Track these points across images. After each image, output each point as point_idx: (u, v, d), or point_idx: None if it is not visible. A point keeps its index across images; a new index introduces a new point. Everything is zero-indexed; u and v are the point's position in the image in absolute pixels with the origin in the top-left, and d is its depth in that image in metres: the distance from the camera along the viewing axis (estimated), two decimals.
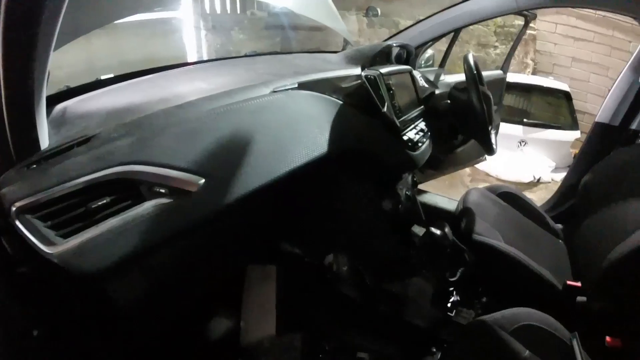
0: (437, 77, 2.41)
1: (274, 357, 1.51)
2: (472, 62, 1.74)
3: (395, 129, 1.47)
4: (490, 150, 1.85)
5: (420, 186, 2.86)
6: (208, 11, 5.58)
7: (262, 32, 4.35)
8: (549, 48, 6.97)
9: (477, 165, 4.13)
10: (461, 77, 2.26)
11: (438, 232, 1.72)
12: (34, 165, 0.74)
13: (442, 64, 2.91)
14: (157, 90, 1.10)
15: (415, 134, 1.59)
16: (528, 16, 3.04)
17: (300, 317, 1.65)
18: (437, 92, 2.17)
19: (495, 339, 1.28)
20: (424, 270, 1.78)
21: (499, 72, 3.24)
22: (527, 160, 5.06)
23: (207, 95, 1.01)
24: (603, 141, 2.46)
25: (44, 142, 0.77)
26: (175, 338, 1.33)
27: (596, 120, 2.52)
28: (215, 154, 0.92)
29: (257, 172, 1.01)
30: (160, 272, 0.95)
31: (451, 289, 1.85)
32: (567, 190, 2.60)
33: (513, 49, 3.34)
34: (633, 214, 1.56)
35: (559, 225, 2.23)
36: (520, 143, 5.28)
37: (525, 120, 5.27)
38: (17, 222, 0.71)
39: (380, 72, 1.41)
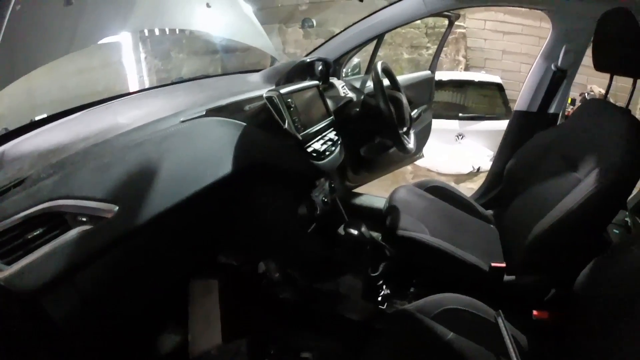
0: (364, 83, 2.51)
1: None
2: (378, 70, 1.88)
3: (298, 142, 1.59)
4: (404, 150, 1.96)
5: (363, 187, 3.01)
6: (147, 33, 5.59)
7: (201, 51, 4.43)
8: (480, 44, 7.31)
9: (418, 162, 4.23)
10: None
11: (355, 231, 1.85)
12: None
13: (367, 71, 3.01)
14: (81, 128, 1.19)
15: (322, 144, 1.71)
16: (451, 17, 3.20)
17: (244, 324, 1.74)
18: (355, 99, 2.27)
19: (418, 325, 1.35)
20: (348, 268, 1.92)
21: (427, 72, 3.39)
22: (466, 152, 5.25)
23: (123, 131, 1.13)
24: (524, 127, 2.59)
25: None
26: (123, 354, 1.42)
27: (515, 108, 2.67)
28: (127, 183, 1.05)
29: (165, 195, 1.13)
30: (89, 288, 1.05)
31: (380, 282, 1.97)
32: (494, 177, 2.75)
33: (439, 50, 3.49)
34: (552, 192, 1.65)
35: (490, 211, 2.34)
36: (458, 137, 5.48)
37: (460, 114, 5.49)
38: None
39: (280, 92, 1.53)
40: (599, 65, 1.71)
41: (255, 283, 1.88)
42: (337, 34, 2.47)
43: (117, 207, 1.00)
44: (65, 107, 1.44)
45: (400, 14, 2.37)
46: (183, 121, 1.28)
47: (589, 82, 6.18)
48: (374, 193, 2.95)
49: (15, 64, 1.35)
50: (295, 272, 1.90)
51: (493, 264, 1.68)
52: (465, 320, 1.38)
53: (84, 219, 0.96)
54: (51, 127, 1.25)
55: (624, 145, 1.48)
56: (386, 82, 2.13)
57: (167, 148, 1.18)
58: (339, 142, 1.86)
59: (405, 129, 2.04)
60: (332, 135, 1.83)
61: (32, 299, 0.91)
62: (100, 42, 1.96)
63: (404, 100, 2.06)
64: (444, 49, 7.13)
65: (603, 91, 6.40)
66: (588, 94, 6.05)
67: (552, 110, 2.58)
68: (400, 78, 2.98)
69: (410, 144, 2.03)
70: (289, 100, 1.56)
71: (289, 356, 1.73)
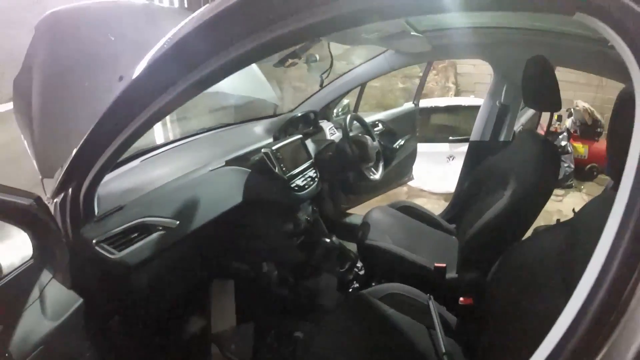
0: (352, 121, 2.81)
1: (235, 341, 2.18)
2: (347, 122, 2.54)
3: (284, 182, 2.26)
4: (367, 181, 2.58)
5: (362, 206, 3.48)
6: None
7: (216, 105, 4.80)
8: (469, 69, 7.54)
9: (411, 183, 4.50)
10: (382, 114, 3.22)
11: (327, 240, 2.50)
12: (96, 222, 1.46)
13: (355, 110, 3.54)
14: (145, 174, 1.83)
15: (303, 181, 2.37)
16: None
17: (252, 311, 2.33)
18: (337, 141, 2.82)
19: (367, 303, 1.74)
20: (326, 268, 2.54)
21: (411, 105, 3.80)
22: (456, 172, 5.25)
23: (175, 177, 1.81)
24: (478, 155, 2.96)
25: (95, 211, 1.46)
26: (165, 328, 2.06)
27: (470, 139, 3.06)
28: (182, 208, 1.74)
29: (201, 216, 1.83)
30: (158, 270, 1.74)
31: (350, 278, 2.57)
32: (457, 196, 3.19)
33: (421, 84, 3.89)
34: (488, 206, 1.95)
35: (453, 225, 2.72)
36: (448, 158, 5.68)
37: (451, 137, 5.69)
38: (96, 248, 1.44)
39: (272, 149, 2.22)
40: (526, 102, 2.05)
41: (260, 282, 2.47)
42: (318, 91, 3.01)
43: (178, 222, 1.68)
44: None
45: (369, 70, 2.91)
46: (211, 170, 1.97)
47: (575, 97, 6.56)
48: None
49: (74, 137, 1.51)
50: (287, 273, 2.52)
51: (436, 264, 2.05)
52: (404, 302, 1.75)
53: (160, 228, 1.64)
54: (124, 172, 1.81)
55: (536, 170, 1.83)
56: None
57: (202, 188, 1.87)
58: (317, 178, 2.49)
59: (370, 164, 2.65)
60: (311, 173, 2.47)
61: (131, 270, 1.56)
62: None
63: (369, 142, 2.67)
64: (435, 77, 7.50)
65: (587, 105, 6.38)
66: (574, 109, 6.32)
67: (501, 138, 2.97)
68: (386, 112, 3.53)
69: (376, 175, 2.65)
70: (278, 153, 2.23)
71: (286, 335, 2.27)
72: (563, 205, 5.24)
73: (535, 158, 1.88)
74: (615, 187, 0.71)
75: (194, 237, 1.82)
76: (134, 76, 1.14)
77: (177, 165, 1.93)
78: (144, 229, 1.61)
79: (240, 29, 0.98)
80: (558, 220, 2.41)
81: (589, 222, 1.21)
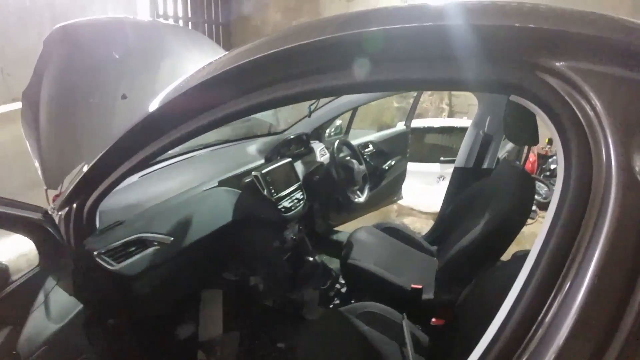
0: (340, 146, 2.98)
1: (222, 347, 2.30)
2: (334, 148, 2.70)
3: (272, 203, 2.41)
4: (351, 204, 2.73)
5: (351, 223, 3.58)
6: None
7: None
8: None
9: (401, 202, 4.56)
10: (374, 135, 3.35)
11: (311, 259, 2.66)
12: (98, 235, 1.57)
13: (346, 132, 3.66)
14: (144, 190, 1.94)
15: (290, 202, 2.51)
16: None
17: (239, 321, 2.46)
18: (325, 163, 2.98)
19: (344, 319, 1.80)
20: (309, 284, 2.68)
21: (403, 127, 3.91)
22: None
23: (173, 194, 1.95)
24: (462, 180, 3.06)
25: (97, 225, 1.57)
26: (158, 333, 2.19)
27: (455, 165, 3.15)
28: (177, 225, 1.88)
29: (195, 233, 1.97)
30: (153, 281, 1.86)
31: (332, 294, 2.71)
32: (440, 219, 3.22)
33: (413, 109, 4.01)
34: (467, 232, 2.03)
35: (435, 247, 2.81)
36: (439, 178, 5.81)
37: (442, 158, 5.80)
38: (97, 259, 1.56)
39: (261, 172, 2.36)
40: (507, 136, 2.06)
41: (247, 294, 2.61)
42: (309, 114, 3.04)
43: (172, 238, 1.82)
44: None
45: (361, 96, 2.98)
46: (205, 190, 2.11)
47: None
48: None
49: (78, 152, 1.63)
50: (273, 286, 2.65)
51: (413, 285, 2.13)
52: (379, 320, 1.82)
53: (155, 243, 1.77)
54: (123, 188, 1.81)
55: (511, 200, 1.89)
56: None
57: (196, 206, 2.01)
58: (303, 200, 2.63)
59: (356, 187, 2.82)
60: (298, 195, 2.61)
61: (128, 280, 1.69)
62: None
63: (356, 167, 2.82)
64: (429, 97, 7.60)
65: None
66: None
67: (485, 166, 3.05)
68: (380, 134, 3.66)
69: (361, 198, 2.82)
70: (267, 177, 2.38)
71: (269, 345, 2.39)
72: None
73: (511, 189, 1.95)
74: None
75: (186, 253, 1.95)
76: (155, 104, 1.21)
77: (174, 184, 2.06)
78: (141, 244, 1.74)
79: (261, 81, 1.04)
80: None
81: None
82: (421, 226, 4.99)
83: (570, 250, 0.71)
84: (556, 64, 0.76)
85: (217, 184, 2.20)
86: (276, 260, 2.64)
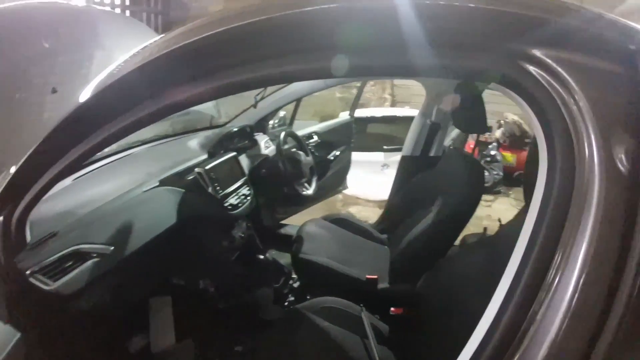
0: (286, 138, 2.84)
1: (176, 358, 2.18)
2: (281, 139, 2.60)
3: (218, 201, 2.28)
4: (300, 196, 2.65)
5: (298, 216, 3.51)
6: None
7: None
8: (406, 82, 7.68)
9: (347, 192, 4.49)
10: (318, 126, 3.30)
11: (261, 257, 2.59)
12: (30, 250, 1.41)
13: (290, 123, 3.60)
14: (78, 196, 1.76)
15: (237, 199, 2.39)
16: None
17: (192, 327, 2.30)
18: (271, 156, 2.89)
19: (302, 318, 1.76)
20: (262, 282, 2.59)
21: (347, 117, 3.89)
22: (390, 180, 5.30)
23: (109, 198, 1.77)
24: (410, 169, 3.09)
25: (28, 238, 1.39)
26: (110, 350, 2.01)
27: (402, 154, 3.19)
28: (116, 233, 1.71)
29: (138, 239, 1.80)
30: (96, 298, 1.70)
31: (286, 291, 2.64)
32: (389, 208, 3.25)
33: (357, 99, 4.03)
34: (417, 221, 2.10)
35: (385, 236, 2.82)
36: (383, 167, 5.91)
37: (385, 147, 5.92)
38: (31, 279, 1.40)
39: (205, 169, 2.22)
40: (455, 124, 2.20)
41: (197, 298, 2.46)
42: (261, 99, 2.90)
43: (112, 247, 1.66)
44: None
45: (306, 86, 2.96)
46: (144, 191, 1.93)
47: (506, 110, 6.73)
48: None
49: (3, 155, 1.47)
50: (224, 288, 2.51)
51: (368, 276, 2.12)
52: (338, 314, 1.79)
53: (94, 255, 1.60)
54: (56, 193, 1.69)
55: (461, 187, 1.96)
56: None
57: (137, 210, 1.85)
58: (250, 195, 2.52)
59: (304, 179, 2.73)
60: (245, 191, 2.50)
61: (66, 299, 1.52)
62: None
63: (303, 158, 2.74)
64: (372, 87, 7.69)
65: (516, 118, 6.95)
66: (504, 121, 6.74)
67: (432, 154, 3.10)
68: (324, 124, 3.62)
69: (309, 190, 2.73)
70: (212, 173, 2.25)
71: (225, 349, 2.28)
72: (492, 210, 5.57)
73: (461, 175, 2.01)
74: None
75: (129, 261, 1.79)
76: (86, 94, 1.05)
77: (111, 186, 1.90)
78: (79, 257, 1.57)
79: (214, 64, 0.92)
80: (485, 228, 2.61)
81: (506, 239, 1.30)
82: (367, 215, 5.05)
83: (558, 244, 0.71)
84: (539, 53, 0.75)
85: (158, 184, 2.04)
86: (225, 260, 2.53)
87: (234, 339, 2.35)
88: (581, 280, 0.67)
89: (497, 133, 6.88)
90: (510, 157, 7.01)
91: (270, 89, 2.72)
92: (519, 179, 6.82)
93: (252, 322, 2.45)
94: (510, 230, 1.41)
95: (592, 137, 0.70)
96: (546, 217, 0.74)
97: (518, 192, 6.54)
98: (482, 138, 6.86)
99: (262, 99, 2.41)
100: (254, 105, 2.42)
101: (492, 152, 6.52)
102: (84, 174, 1.92)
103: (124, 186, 1.90)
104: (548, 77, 0.75)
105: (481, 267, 1.39)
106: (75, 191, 1.79)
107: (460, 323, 1.20)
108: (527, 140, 7.00)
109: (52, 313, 1.55)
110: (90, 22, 1.78)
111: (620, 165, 0.68)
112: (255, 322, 2.44)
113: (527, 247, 0.76)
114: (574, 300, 0.67)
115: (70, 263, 1.53)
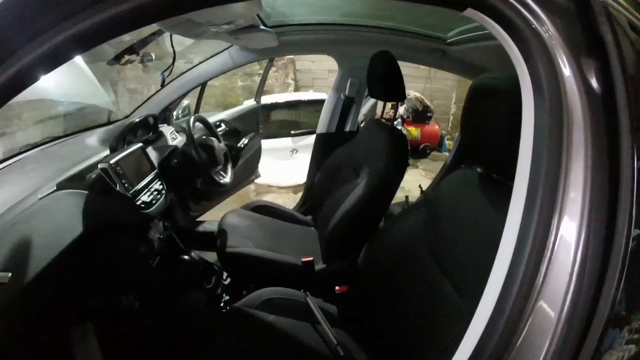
0: (195, 123, 2.64)
1: None
2: (191, 125, 2.31)
3: (129, 200, 1.96)
4: (218, 185, 2.39)
5: (213, 212, 3.34)
6: None
7: (43, 115, 4.25)
8: (308, 66, 7.94)
9: (258, 181, 4.34)
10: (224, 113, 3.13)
11: (186, 257, 2.34)
12: None
13: (196, 111, 3.34)
14: None
15: (149, 195, 2.08)
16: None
17: (123, 353, 2.02)
18: (180, 146, 2.59)
19: (244, 316, 1.64)
20: (191, 286, 2.37)
21: (253, 103, 3.74)
22: (300, 165, 5.39)
23: (1, 211, 1.43)
24: (326, 146, 3.07)
25: None
26: None
27: (317, 131, 3.16)
28: (12, 255, 1.36)
29: (39, 259, 1.45)
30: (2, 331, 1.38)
31: (219, 291, 2.42)
32: (309, 189, 3.23)
33: (262, 84, 3.87)
34: (343, 196, 2.04)
35: (309, 217, 2.79)
36: (292, 152, 5.86)
37: (293, 132, 5.84)
38: None
39: (109, 163, 1.89)
40: (371, 94, 2.17)
41: (123, 318, 2.16)
42: (156, 92, 2.73)
43: (10, 274, 1.31)
44: None
45: (213, 67, 2.75)
46: (40, 198, 1.59)
47: (408, 87, 7.15)
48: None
49: None
50: (150, 300, 2.23)
51: (303, 259, 2.05)
52: (281, 304, 1.71)
53: None
54: None
55: (387, 156, 1.94)
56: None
57: (34, 222, 1.51)
58: (164, 190, 2.22)
59: (219, 167, 2.48)
60: (157, 186, 2.19)
61: None
62: None
63: (216, 145, 2.47)
64: (275, 73, 7.65)
65: (418, 94, 7.48)
66: (407, 97, 6.97)
67: (347, 129, 3.12)
68: (230, 111, 3.43)
69: (226, 178, 2.50)
70: (118, 167, 1.92)
71: None
72: (404, 182, 5.66)
73: (385, 145, 2.00)
74: (469, 165, 0.83)
75: (34, 288, 1.44)
76: None
77: (1, 196, 1.58)
78: None
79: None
80: (407, 197, 2.55)
81: (446, 198, 1.41)
82: (283, 201, 5.01)
83: (560, 167, 0.73)
84: None
85: (55, 188, 1.69)
86: (146, 268, 2.23)
87: (171, 356, 2.11)
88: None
89: (401, 110, 7.21)
90: (414, 131, 7.57)
91: (173, 74, 2.53)
92: (426, 150, 7.58)
93: (190, 334, 2.18)
94: (449, 193, 1.43)
95: (565, 59, 0.75)
96: (546, 142, 0.75)
97: (425, 164, 7.19)
98: (386, 115, 7.04)
99: (169, 73, 2.26)
100: (162, 83, 2.25)
101: (398, 127, 6.67)
102: None
103: (15, 195, 1.57)
104: (519, 7, 0.78)
105: (421, 229, 1.43)
106: None
107: (408, 284, 1.35)
108: (429, 115, 7.70)
109: None
110: None
111: (593, 84, 0.74)
112: (192, 333, 2.18)
113: (529, 186, 0.77)
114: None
115: None
